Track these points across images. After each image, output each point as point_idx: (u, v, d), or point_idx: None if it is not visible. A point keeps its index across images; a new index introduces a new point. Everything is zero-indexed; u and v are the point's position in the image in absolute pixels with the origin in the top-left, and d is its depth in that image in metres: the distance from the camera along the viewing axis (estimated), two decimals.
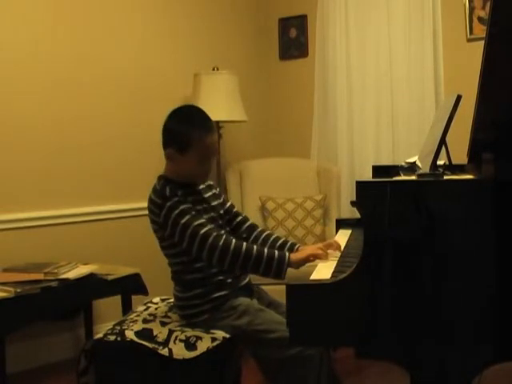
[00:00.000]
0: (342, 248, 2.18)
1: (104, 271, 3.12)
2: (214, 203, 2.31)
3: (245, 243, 2.08)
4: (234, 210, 2.40)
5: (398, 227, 1.60)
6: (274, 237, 2.34)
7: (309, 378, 2.01)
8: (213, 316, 2.17)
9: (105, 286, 3.08)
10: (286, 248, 2.27)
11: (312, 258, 2.07)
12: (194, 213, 2.11)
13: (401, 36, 4.09)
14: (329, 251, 2.13)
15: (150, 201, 2.17)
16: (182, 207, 2.09)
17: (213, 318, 2.17)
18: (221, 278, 2.18)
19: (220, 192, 2.40)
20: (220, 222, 2.27)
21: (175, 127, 2.17)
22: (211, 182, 2.39)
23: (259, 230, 2.38)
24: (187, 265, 2.18)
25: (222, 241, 2.04)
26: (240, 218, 2.39)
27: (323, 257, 2.06)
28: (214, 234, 2.06)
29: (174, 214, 2.08)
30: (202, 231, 2.06)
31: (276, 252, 2.06)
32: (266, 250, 2.06)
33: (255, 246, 2.08)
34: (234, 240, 2.07)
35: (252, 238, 2.35)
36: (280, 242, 2.31)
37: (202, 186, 2.30)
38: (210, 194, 2.32)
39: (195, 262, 2.15)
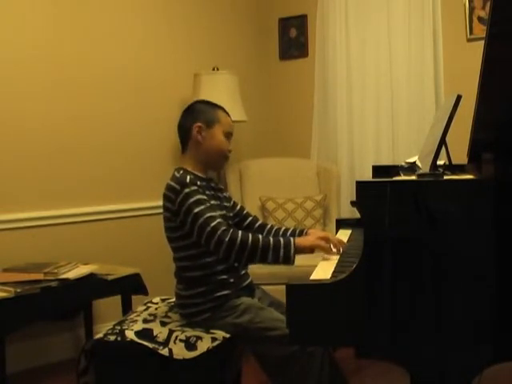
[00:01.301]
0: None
1: (104, 271, 3.12)
2: (226, 204, 2.35)
3: (250, 235, 2.08)
4: (245, 211, 2.44)
5: (398, 227, 1.60)
6: (283, 229, 2.40)
7: (310, 375, 2.02)
8: (214, 315, 2.17)
9: (105, 286, 3.08)
10: (296, 235, 2.32)
11: (315, 247, 2.11)
12: (208, 204, 2.13)
13: (401, 36, 4.09)
14: (334, 249, 2.14)
15: (168, 187, 2.17)
16: (198, 196, 2.12)
17: (214, 317, 2.17)
18: (224, 277, 2.19)
19: (229, 196, 2.43)
20: (230, 222, 2.30)
21: (202, 106, 2.32)
22: (221, 186, 2.43)
23: (269, 226, 2.43)
24: (193, 260, 2.18)
25: (228, 235, 2.06)
26: (251, 218, 2.43)
27: (325, 248, 2.10)
28: (223, 228, 2.08)
29: (190, 201, 2.10)
30: (213, 224, 2.07)
31: (281, 239, 2.10)
32: (271, 239, 2.10)
33: (260, 236, 2.10)
34: (239, 233, 2.08)
35: (264, 235, 2.37)
36: (289, 232, 2.37)
37: (218, 186, 2.36)
38: (222, 195, 2.36)
39: (202, 257, 2.16)
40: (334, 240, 2.17)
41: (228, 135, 2.29)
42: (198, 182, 2.17)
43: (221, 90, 3.89)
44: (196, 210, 2.09)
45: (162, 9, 4.07)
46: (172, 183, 2.16)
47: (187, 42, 4.21)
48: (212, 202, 2.20)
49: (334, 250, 2.13)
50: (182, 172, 2.20)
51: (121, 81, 3.80)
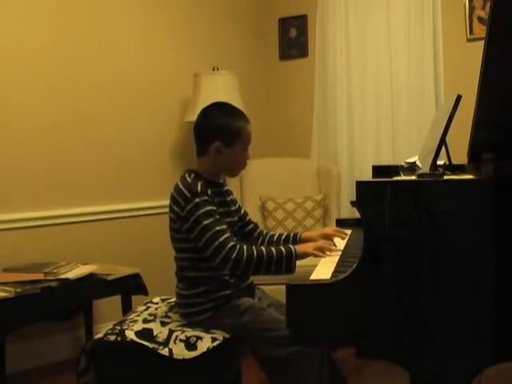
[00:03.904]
0: (343, 246, 2.21)
1: (104, 271, 3.12)
2: (232, 208, 2.34)
3: (255, 250, 2.09)
4: (248, 218, 2.44)
5: (398, 227, 1.60)
6: (277, 235, 2.42)
7: (310, 375, 2.02)
8: (214, 315, 2.17)
9: (105, 286, 3.08)
10: (290, 240, 2.35)
11: (316, 252, 2.14)
12: (217, 217, 2.12)
13: (401, 36, 4.10)
14: (335, 240, 2.23)
15: (177, 190, 2.15)
16: (208, 208, 2.10)
17: (214, 317, 2.17)
18: (225, 277, 2.19)
19: (235, 199, 2.42)
20: (235, 228, 2.30)
21: (222, 122, 2.20)
22: (229, 188, 2.40)
23: (264, 233, 2.45)
24: (195, 261, 2.18)
25: (235, 252, 2.07)
26: (251, 225, 2.44)
27: (325, 252, 2.12)
28: (230, 244, 2.08)
29: (200, 212, 2.09)
30: (221, 239, 2.07)
31: (283, 249, 2.11)
32: (274, 251, 2.10)
33: (264, 250, 2.10)
34: (245, 249, 2.08)
35: (259, 243, 2.41)
36: (284, 236, 2.40)
37: (226, 188, 2.34)
38: (229, 198, 2.34)
39: (204, 261, 2.16)
40: (335, 234, 2.24)
41: (246, 146, 2.24)
42: (209, 190, 2.15)
43: (221, 90, 3.88)
44: (205, 222, 2.08)
45: (162, 9, 4.07)
46: (182, 188, 2.14)
47: (187, 41, 4.21)
48: (220, 209, 2.19)
49: (337, 244, 2.20)
50: (193, 176, 2.17)
51: (121, 81, 3.80)
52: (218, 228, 2.09)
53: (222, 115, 2.22)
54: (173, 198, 2.16)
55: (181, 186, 2.15)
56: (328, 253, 2.12)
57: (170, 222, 2.20)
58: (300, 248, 2.14)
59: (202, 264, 2.17)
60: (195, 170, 2.23)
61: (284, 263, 2.09)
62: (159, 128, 4.01)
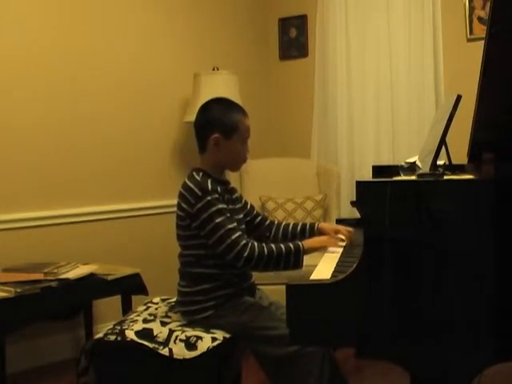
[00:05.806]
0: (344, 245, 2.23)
1: (104, 271, 3.12)
2: (238, 206, 2.34)
3: (265, 248, 2.11)
4: (255, 211, 2.45)
5: (398, 227, 1.60)
6: (292, 225, 2.44)
7: (310, 375, 2.02)
8: (215, 313, 2.17)
9: (105, 286, 3.07)
10: (307, 231, 2.39)
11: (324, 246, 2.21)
12: (228, 215, 2.13)
13: (401, 36, 4.10)
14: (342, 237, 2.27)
15: (186, 188, 2.15)
16: (220, 206, 2.12)
17: (215, 315, 2.17)
18: (228, 276, 2.20)
19: (240, 195, 2.42)
20: (242, 226, 2.30)
21: (219, 115, 2.22)
22: (234, 186, 2.41)
23: (276, 224, 2.46)
24: (201, 258, 2.18)
25: (247, 251, 2.08)
26: (260, 217, 2.45)
27: (335, 245, 2.19)
28: (243, 242, 2.09)
29: (212, 210, 2.10)
30: (233, 237, 2.09)
31: (291, 246, 2.13)
32: (283, 247, 2.12)
33: (273, 247, 2.12)
34: (256, 247, 2.10)
35: (273, 233, 2.43)
36: (299, 227, 2.42)
37: (231, 186, 2.35)
38: (235, 196, 2.35)
39: (210, 258, 2.16)
40: (345, 234, 2.29)
41: (245, 139, 2.25)
42: (218, 188, 2.16)
43: (221, 90, 3.88)
44: (217, 220, 2.09)
45: (163, 9, 4.07)
46: (191, 185, 2.14)
47: (187, 42, 4.21)
48: (230, 206, 2.20)
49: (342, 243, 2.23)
50: (201, 175, 2.18)
51: (121, 81, 3.80)
52: (229, 226, 2.10)
53: (218, 108, 2.25)
54: (181, 196, 2.17)
55: (190, 184, 2.15)
56: (335, 248, 2.16)
57: (178, 220, 2.20)
58: (307, 243, 2.17)
59: (209, 261, 2.17)
60: (202, 168, 2.23)
61: (292, 259, 2.11)
62: (159, 128, 4.01)
